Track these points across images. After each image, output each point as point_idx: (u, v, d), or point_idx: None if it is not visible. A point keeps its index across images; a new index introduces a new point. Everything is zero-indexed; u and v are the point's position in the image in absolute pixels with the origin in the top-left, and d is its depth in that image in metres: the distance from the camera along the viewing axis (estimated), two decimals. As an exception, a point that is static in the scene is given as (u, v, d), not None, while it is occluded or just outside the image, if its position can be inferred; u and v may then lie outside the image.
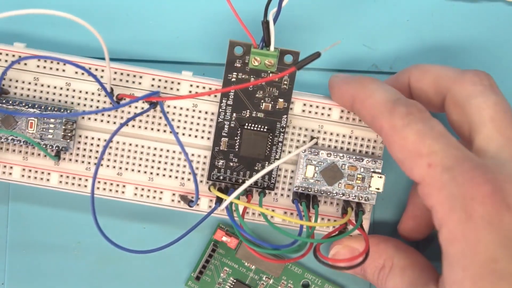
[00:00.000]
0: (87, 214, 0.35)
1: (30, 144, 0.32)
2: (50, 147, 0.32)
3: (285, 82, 0.32)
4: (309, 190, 0.32)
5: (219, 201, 0.32)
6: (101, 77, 0.32)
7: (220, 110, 0.32)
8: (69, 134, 0.32)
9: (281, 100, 0.32)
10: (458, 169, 0.25)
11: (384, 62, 0.35)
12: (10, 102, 0.32)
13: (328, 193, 0.32)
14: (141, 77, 0.33)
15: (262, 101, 0.32)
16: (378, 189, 0.32)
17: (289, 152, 0.33)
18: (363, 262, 0.29)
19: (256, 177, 0.29)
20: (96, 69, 0.32)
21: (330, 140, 0.33)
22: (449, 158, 0.25)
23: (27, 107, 0.32)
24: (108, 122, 0.33)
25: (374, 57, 0.35)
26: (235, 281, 0.36)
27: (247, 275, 0.36)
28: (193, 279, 0.36)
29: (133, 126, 0.33)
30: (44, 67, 0.32)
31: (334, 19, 0.34)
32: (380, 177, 0.32)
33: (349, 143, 0.33)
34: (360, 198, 0.32)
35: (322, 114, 0.33)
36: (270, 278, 0.36)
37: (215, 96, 0.33)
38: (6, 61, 0.32)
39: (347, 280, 0.36)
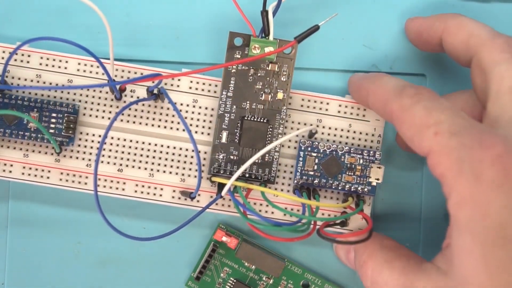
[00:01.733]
0: (87, 214, 0.35)
1: (31, 139, 0.32)
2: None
3: (284, 73, 0.32)
4: (309, 182, 0.32)
5: (220, 189, 0.32)
6: (103, 74, 0.33)
7: (221, 102, 0.32)
8: (71, 125, 0.32)
9: (280, 91, 0.32)
10: (466, 134, 0.25)
11: (384, 62, 0.36)
12: (13, 97, 0.32)
13: (328, 185, 0.32)
14: (142, 73, 0.33)
15: (261, 92, 0.32)
16: (377, 179, 0.32)
17: (288, 147, 0.33)
18: (367, 239, 0.29)
19: (256, 157, 0.29)
20: (98, 67, 0.33)
21: (328, 134, 0.33)
22: (456, 125, 0.25)
23: (28, 103, 0.32)
24: (109, 118, 0.33)
25: (374, 57, 0.36)
26: (235, 281, 0.35)
27: (247, 275, 0.35)
28: (193, 279, 0.35)
29: (134, 122, 0.33)
30: (47, 65, 0.33)
31: (334, 19, 0.35)
32: (379, 167, 0.32)
33: (347, 137, 0.33)
34: (360, 190, 0.32)
35: (321, 108, 0.33)
36: (270, 278, 0.35)
37: (215, 92, 0.33)
38: (9, 58, 0.33)
39: (347, 280, 0.36)
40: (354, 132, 0.33)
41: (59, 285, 0.36)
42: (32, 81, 0.33)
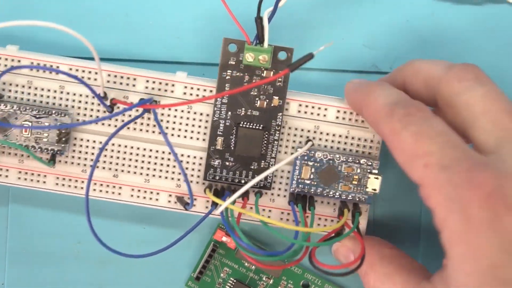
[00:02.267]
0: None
1: (26, 148, 0.32)
2: (46, 150, 0.32)
3: (280, 80, 0.31)
4: (306, 191, 0.32)
5: (216, 203, 0.32)
6: (95, 79, 0.32)
7: (215, 109, 0.32)
8: (63, 138, 0.32)
9: (276, 97, 0.32)
10: (455, 169, 0.24)
11: (384, 62, 0.35)
12: (5, 105, 0.32)
13: (325, 194, 0.32)
14: (135, 79, 0.32)
15: (257, 99, 0.32)
16: (374, 190, 0.32)
17: (285, 152, 0.33)
18: (358, 267, 0.29)
19: (250, 184, 0.29)
20: (90, 72, 0.32)
21: (326, 140, 0.33)
22: (445, 158, 0.25)
23: (21, 110, 0.32)
24: (103, 124, 0.33)
25: (374, 57, 0.35)
26: (235, 281, 0.35)
27: (247, 275, 0.36)
28: (193, 279, 0.36)
29: (128, 128, 0.33)
30: (38, 71, 0.32)
31: (334, 19, 0.34)
32: (377, 178, 0.32)
33: (345, 143, 0.33)
34: (357, 199, 0.32)
35: (318, 114, 0.33)
36: (270, 278, 0.36)
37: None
38: (-1, 64, 0.32)
39: (347, 280, 0.36)
40: (353, 138, 0.33)
41: (59, 285, 0.36)
42: (23, 86, 0.32)
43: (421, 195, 0.26)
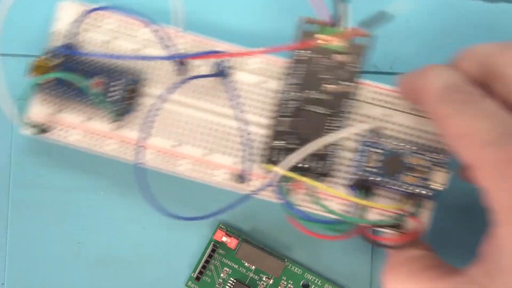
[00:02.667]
0: (88, 214, 0.36)
1: (91, 106, 0.32)
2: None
3: (353, 64, 0.31)
4: (368, 179, 0.30)
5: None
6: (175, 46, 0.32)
7: (285, 88, 0.31)
8: (132, 95, 0.32)
9: (347, 82, 0.31)
10: (502, 146, 0.24)
11: (384, 62, 0.35)
12: (78, 62, 0.32)
13: (388, 184, 0.30)
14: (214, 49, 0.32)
15: (327, 82, 0.31)
16: (442, 184, 0.30)
17: (349, 139, 0.32)
18: (402, 246, 0.28)
19: (316, 146, 0.28)
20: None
21: (398, 131, 0.32)
22: (492, 134, 0.24)
23: (93, 68, 0.32)
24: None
25: (374, 57, 0.35)
26: (235, 281, 0.35)
27: (247, 275, 0.35)
28: (193, 280, 0.35)
29: (194, 98, 0.32)
30: (117, 31, 0.33)
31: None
32: (446, 172, 0.30)
33: (417, 136, 0.32)
34: (421, 193, 0.30)
35: (392, 102, 0.32)
36: (270, 278, 0.35)
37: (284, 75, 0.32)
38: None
39: (347, 280, 0.35)
40: (425, 132, 0.32)
41: (59, 285, 0.36)
42: (101, 46, 0.33)
43: (474, 176, 0.25)
